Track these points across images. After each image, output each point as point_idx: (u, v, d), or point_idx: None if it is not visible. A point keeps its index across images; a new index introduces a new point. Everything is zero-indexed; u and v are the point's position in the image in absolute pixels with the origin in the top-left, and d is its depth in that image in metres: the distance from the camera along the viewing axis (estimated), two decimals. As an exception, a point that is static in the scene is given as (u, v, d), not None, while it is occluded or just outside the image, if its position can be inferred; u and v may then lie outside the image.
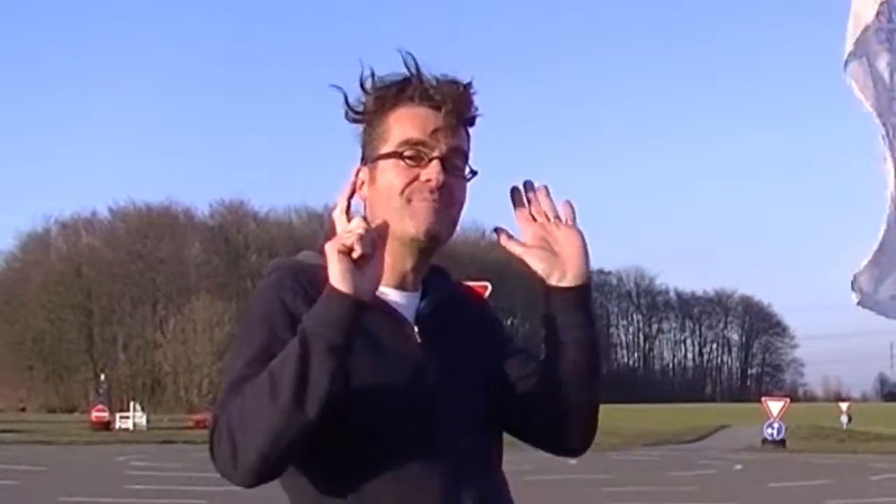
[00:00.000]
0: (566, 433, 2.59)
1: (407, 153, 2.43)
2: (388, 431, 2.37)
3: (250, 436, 2.22)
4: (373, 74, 2.49)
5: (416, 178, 2.42)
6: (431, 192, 2.41)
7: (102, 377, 74.83)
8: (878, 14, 5.91)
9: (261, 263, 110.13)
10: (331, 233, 2.33)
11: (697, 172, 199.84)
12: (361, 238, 2.24)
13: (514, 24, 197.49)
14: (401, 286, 2.49)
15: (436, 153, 2.42)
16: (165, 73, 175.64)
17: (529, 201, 2.55)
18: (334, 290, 2.23)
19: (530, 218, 2.55)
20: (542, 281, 2.52)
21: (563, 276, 2.51)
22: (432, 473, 2.38)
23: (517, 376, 2.56)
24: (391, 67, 2.46)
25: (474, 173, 2.50)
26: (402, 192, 2.42)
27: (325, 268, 2.28)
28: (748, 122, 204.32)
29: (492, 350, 2.59)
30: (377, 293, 2.33)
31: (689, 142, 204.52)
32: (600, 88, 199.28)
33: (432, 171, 2.41)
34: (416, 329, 2.47)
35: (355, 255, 2.23)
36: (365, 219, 2.31)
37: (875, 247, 5.78)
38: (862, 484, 28.85)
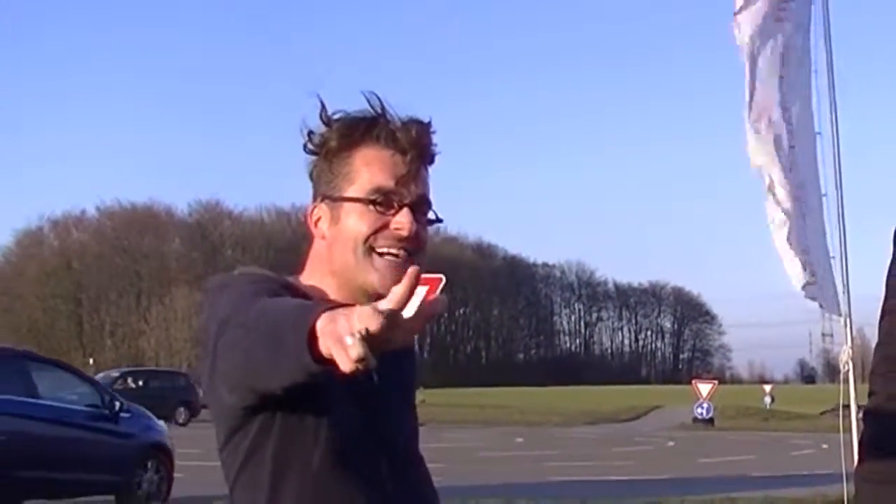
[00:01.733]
0: None
1: (377, 199, 2.16)
2: (342, 473, 2.13)
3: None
4: (325, 109, 2.21)
5: (385, 225, 2.15)
6: (399, 239, 2.15)
7: (91, 361, 74.45)
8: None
9: (235, 257, 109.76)
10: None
11: (631, 175, 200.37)
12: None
13: (457, 41, 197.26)
14: None
15: (406, 200, 2.17)
16: (148, 85, 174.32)
17: None
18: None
19: None
20: None
21: None
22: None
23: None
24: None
25: (439, 220, 2.25)
26: (367, 239, 2.15)
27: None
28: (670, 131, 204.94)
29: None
30: None
31: (624, 147, 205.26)
32: (545, 95, 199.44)
33: (404, 220, 2.14)
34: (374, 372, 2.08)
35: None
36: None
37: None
38: (783, 458, 29.10)
